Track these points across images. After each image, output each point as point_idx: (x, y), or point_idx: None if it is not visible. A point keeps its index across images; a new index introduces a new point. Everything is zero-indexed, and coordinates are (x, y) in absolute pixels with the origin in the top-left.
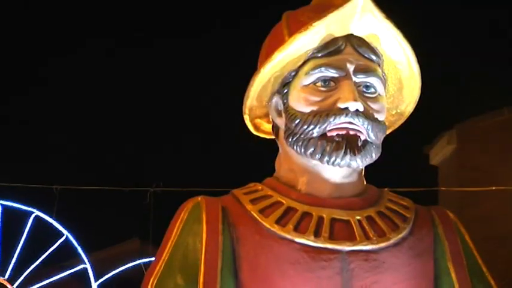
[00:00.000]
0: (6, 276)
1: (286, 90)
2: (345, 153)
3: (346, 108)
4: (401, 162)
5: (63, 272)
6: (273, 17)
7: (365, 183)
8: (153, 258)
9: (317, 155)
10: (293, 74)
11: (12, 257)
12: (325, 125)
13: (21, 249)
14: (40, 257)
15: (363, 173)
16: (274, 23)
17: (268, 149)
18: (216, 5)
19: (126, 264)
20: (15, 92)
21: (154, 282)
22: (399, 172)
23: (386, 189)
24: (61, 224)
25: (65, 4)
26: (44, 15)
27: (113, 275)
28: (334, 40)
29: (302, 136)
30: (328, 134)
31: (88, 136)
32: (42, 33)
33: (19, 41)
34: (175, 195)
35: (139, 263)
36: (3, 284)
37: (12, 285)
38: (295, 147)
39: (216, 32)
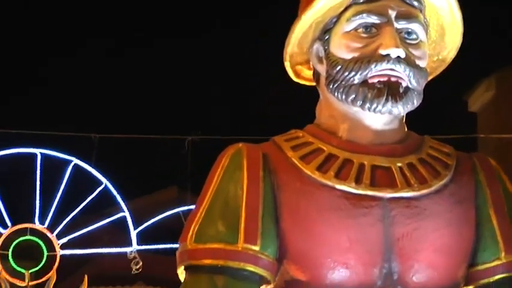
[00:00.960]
0: (46, 225)
1: (327, 37)
2: (386, 100)
3: (388, 55)
4: (441, 109)
5: (102, 220)
6: (273, 17)
7: (406, 130)
8: (191, 207)
9: (358, 102)
10: (334, 20)
11: (52, 206)
12: (367, 71)
13: (60, 197)
14: (79, 205)
15: (404, 120)
16: (274, 23)
17: (308, 96)
18: (216, 5)
19: (165, 212)
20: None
21: (196, 229)
22: (438, 119)
23: (427, 136)
24: (100, 172)
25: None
26: (43, 16)
27: (151, 223)
28: None
29: (343, 83)
30: (370, 81)
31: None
32: (43, 33)
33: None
34: (214, 143)
35: (178, 211)
36: (43, 232)
37: (52, 233)
38: (336, 94)
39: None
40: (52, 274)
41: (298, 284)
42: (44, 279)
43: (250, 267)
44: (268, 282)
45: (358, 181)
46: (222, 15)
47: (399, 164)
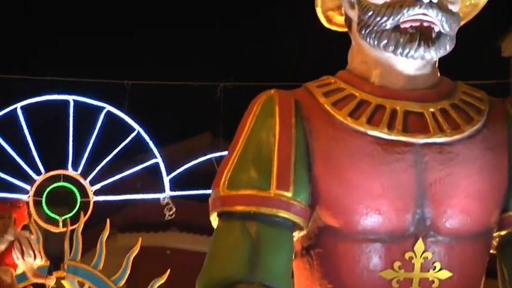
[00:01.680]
0: (79, 171)
1: None
2: (419, 45)
3: (420, 0)
4: (473, 55)
5: (135, 166)
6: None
7: (438, 75)
8: (224, 153)
9: (390, 47)
10: None
11: (85, 152)
12: (399, 16)
13: (93, 144)
14: (112, 152)
15: (437, 65)
16: (274, 23)
17: (340, 42)
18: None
19: (198, 158)
20: None
21: (228, 175)
22: (471, 64)
23: (459, 81)
24: (132, 119)
25: None
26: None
27: (184, 169)
28: None
29: (375, 28)
30: (402, 26)
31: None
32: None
33: None
34: (246, 90)
35: (210, 158)
36: (76, 178)
37: (85, 179)
38: (368, 40)
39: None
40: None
41: (331, 230)
42: (77, 225)
43: (283, 214)
44: (301, 229)
45: (390, 127)
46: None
47: (432, 110)
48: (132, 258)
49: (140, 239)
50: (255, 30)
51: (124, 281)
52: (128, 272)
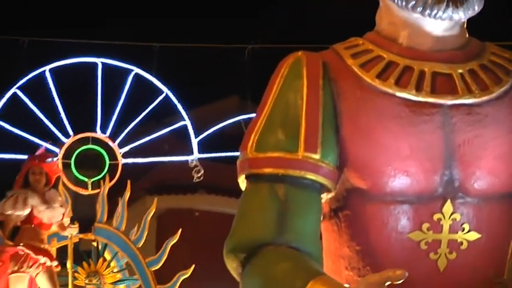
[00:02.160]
0: (108, 134)
1: None
2: (447, 6)
3: None
4: (502, 15)
5: (164, 129)
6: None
7: (467, 36)
8: (252, 115)
9: (418, 8)
10: None
11: (113, 115)
12: None
13: (121, 107)
14: (140, 114)
15: (465, 26)
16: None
17: (369, 3)
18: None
19: (226, 121)
20: None
21: (256, 138)
22: (500, 25)
23: (488, 42)
24: (161, 81)
25: None
26: None
27: (212, 131)
28: None
29: None
30: None
31: None
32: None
33: None
34: (274, 52)
35: (238, 120)
36: (104, 141)
37: (113, 142)
38: (395, 1)
39: None
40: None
41: (359, 192)
42: (106, 187)
43: (311, 176)
44: (328, 191)
45: (418, 88)
46: None
47: (460, 71)
48: (149, 219)
49: (156, 199)
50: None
51: (142, 241)
52: (146, 232)
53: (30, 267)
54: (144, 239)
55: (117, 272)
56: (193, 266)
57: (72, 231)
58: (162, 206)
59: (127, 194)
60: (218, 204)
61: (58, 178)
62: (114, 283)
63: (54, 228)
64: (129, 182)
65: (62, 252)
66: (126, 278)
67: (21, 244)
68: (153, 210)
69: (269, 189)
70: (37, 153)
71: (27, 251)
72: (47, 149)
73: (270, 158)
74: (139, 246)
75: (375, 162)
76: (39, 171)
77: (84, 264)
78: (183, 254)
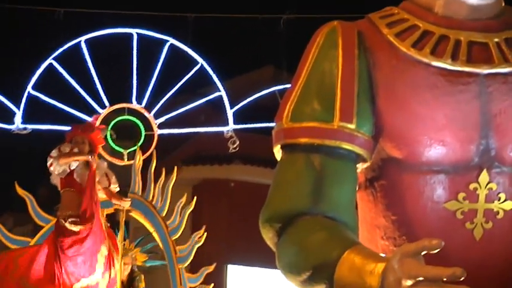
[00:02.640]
0: (143, 104)
1: None
2: None
3: None
4: None
5: (199, 99)
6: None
7: (503, 4)
8: (287, 86)
9: None
10: None
11: (149, 86)
12: None
13: (157, 77)
14: (176, 85)
15: None
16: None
17: None
18: None
19: (261, 91)
20: None
21: (291, 108)
22: None
23: None
24: (196, 52)
25: None
26: None
27: (247, 102)
28: None
29: None
30: None
31: None
32: None
33: None
34: (309, 22)
35: (273, 90)
36: (140, 111)
37: (149, 113)
38: None
39: None
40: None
41: (395, 161)
42: (142, 157)
43: (347, 146)
44: (364, 160)
45: (454, 57)
46: None
47: (496, 40)
48: (170, 188)
49: (176, 168)
50: None
51: (166, 209)
52: (168, 201)
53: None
54: (167, 208)
55: (145, 252)
56: (229, 235)
57: (125, 204)
58: (197, 176)
59: (153, 164)
60: (253, 175)
61: None
62: (145, 262)
63: (102, 195)
64: (154, 152)
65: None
66: (155, 262)
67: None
68: (174, 179)
69: (305, 159)
70: (90, 120)
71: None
72: (80, 119)
73: (306, 128)
74: (163, 215)
75: (410, 132)
76: (82, 141)
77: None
78: (218, 225)
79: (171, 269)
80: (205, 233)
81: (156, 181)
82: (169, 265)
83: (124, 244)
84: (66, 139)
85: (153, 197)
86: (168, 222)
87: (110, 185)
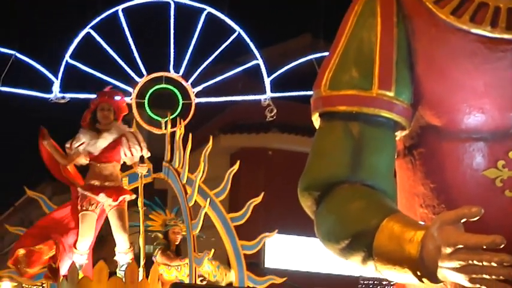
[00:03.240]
0: (181, 73)
1: None
2: None
3: None
4: None
5: (236, 68)
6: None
7: None
8: (324, 54)
9: None
10: None
11: (186, 55)
12: None
13: (194, 46)
14: (213, 54)
15: None
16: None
17: None
18: None
19: (298, 59)
20: None
21: (330, 75)
22: None
23: None
24: (233, 20)
25: None
26: None
27: (285, 70)
28: None
29: None
30: None
31: None
32: None
33: None
34: None
35: (311, 59)
36: (178, 80)
37: (186, 81)
38: None
39: None
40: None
41: (434, 129)
42: (180, 126)
43: (385, 113)
44: (403, 128)
45: (493, 25)
46: None
47: None
48: (207, 155)
49: (211, 137)
50: None
51: (204, 176)
52: (206, 168)
53: (96, 206)
54: (204, 176)
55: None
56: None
57: (142, 170)
58: (235, 144)
59: (179, 132)
60: (291, 143)
61: (132, 118)
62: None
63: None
64: (182, 121)
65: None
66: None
67: (83, 185)
68: (210, 148)
69: (343, 127)
70: (106, 89)
71: (84, 192)
72: (118, 88)
73: (344, 96)
74: (201, 181)
75: (449, 100)
76: (108, 108)
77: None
78: (256, 193)
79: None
80: (260, 199)
81: (192, 150)
82: (187, 232)
83: (165, 214)
84: (91, 106)
85: (182, 164)
86: (213, 192)
87: (142, 150)
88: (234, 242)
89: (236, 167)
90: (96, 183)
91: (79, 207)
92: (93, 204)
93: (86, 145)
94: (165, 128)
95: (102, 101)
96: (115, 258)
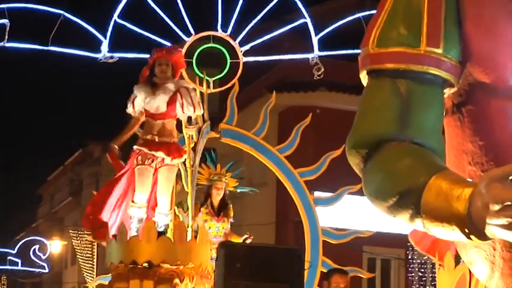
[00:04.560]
0: (229, 32)
1: None
2: None
3: None
4: None
5: (284, 26)
6: None
7: None
8: (372, 12)
9: None
10: None
11: (234, 13)
12: None
13: (241, 5)
14: (261, 12)
15: None
16: None
17: None
18: None
19: (346, 18)
20: None
21: (377, 33)
22: None
23: None
24: None
25: None
26: None
27: (333, 28)
28: None
29: None
30: None
31: None
32: None
33: None
34: None
35: (358, 17)
36: (225, 39)
37: (234, 40)
38: None
39: None
40: (235, 81)
41: (482, 86)
42: (228, 85)
43: (433, 71)
44: (451, 86)
45: None
46: None
47: None
48: (269, 111)
49: (274, 94)
50: None
51: (265, 132)
52: (267, 123)
53: (152, 161)
54: (266, 130)
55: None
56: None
57: (189, 131)
58: (283, 103)
59: (234, 93)
60: (339, 101)
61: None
62: (235, 187)
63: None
64: (236, 81)
65: None
66: (245, 188)
67: (138, 143)
68: (273, 103)
69: (391, 84)
70: (170, 49)
71: (141, 148)
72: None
73: (392, 53)
74: (262, 136)
75: (497, 57)
76: (166, 63)
77: (204, 166)
78: (304, 152)
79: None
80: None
81: (240, 109)
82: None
83: (216, 168)
84: (149, 62)
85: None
86: (277, 148)
87: (194, 111)
88: (304, 196)
89: (308, 120)
90: (152, 138)
91: (135, 162)
92: (149, 159)
93: (142, 102)
94: (213, 88)
95: (160, 56)
96: (153, 218)
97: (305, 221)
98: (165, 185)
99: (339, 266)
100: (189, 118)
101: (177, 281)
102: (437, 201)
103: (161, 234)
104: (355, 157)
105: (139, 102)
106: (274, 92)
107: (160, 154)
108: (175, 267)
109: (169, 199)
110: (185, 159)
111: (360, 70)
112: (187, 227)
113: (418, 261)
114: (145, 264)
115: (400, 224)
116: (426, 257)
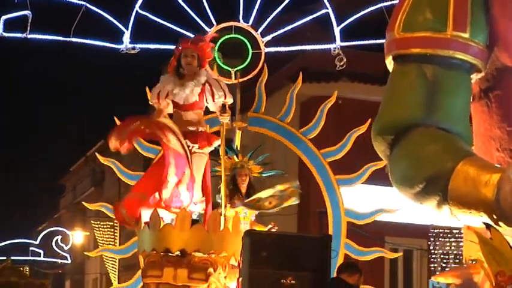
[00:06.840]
0: (250, 23)
1: None
2: None
3: None
4: None
5: (305, 17)
6: None
7: None
8: (394, 2)
9: None
10: None
11: (255, 4)
12: None
13: None
14: (282, 3)
15: None
16: None
17: None
18: None
19: (368, 7)
20: None
21: (403, 18)
22: None
23: None
24: None
25: None
26: None
27: (355, 19)
28: None
29: None
30: None
31: None
32: None
33: None
34: None
35: (380, 7)
36: (247, 30)
37: (256, 31)
38: None
39: None
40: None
41: (510, 71)
42: (250, 76)
43: (460, 55)
44: (478, 71)
45: None
46: None
47: None
48: (295, 96)
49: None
50: None
51: (290, 117)
52: (293, 109)
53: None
54: (291, 115)
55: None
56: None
57: (224, 119)
58: (304, 93)
59: (263, 81)
60: (361, 92)
61: None
62: (260, 173)
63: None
64: (265, 68)
65: None
66: (270, 172)
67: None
68: (299, 86)
69: (417, 69)
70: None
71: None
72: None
73: (418, 38)
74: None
75: None
76: (191, 54)
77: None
78: (326, 142)
79: (317, 167)
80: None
81: (267, 96)
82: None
83: (237, 158)
84: (175, 53)
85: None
86: (301, 130)
87: (225, 98)
88: (328, 179)
89: (333, 99)
90: (181, 129)
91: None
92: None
93: (170, 94)
94: (235, 78)
95: (185, 47)
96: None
97: (328, 205)
98: (195, 173)
99: (351, 261)
100: (223, 106)
101: (211, 270)
102: (465, 187)
103: (195, 222)
104: (381, 144)
105: (166, 93)
106: (301, 73)
107: (188, 142)
108: (208, 255)
109: (199, 187)
110: (214, 147)
111: (386, 55)
112: (221, 215)
113: (440, 251)
114: (178, 253)
115: (423, 213)
116: (448, 247)
